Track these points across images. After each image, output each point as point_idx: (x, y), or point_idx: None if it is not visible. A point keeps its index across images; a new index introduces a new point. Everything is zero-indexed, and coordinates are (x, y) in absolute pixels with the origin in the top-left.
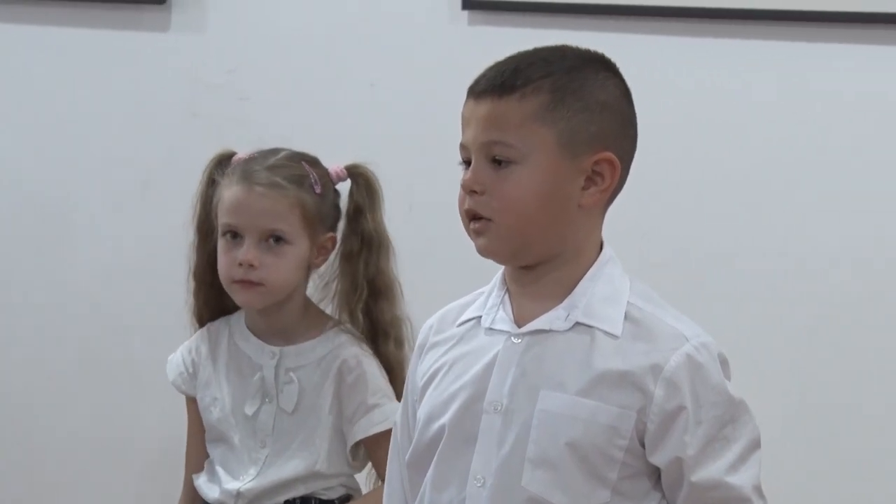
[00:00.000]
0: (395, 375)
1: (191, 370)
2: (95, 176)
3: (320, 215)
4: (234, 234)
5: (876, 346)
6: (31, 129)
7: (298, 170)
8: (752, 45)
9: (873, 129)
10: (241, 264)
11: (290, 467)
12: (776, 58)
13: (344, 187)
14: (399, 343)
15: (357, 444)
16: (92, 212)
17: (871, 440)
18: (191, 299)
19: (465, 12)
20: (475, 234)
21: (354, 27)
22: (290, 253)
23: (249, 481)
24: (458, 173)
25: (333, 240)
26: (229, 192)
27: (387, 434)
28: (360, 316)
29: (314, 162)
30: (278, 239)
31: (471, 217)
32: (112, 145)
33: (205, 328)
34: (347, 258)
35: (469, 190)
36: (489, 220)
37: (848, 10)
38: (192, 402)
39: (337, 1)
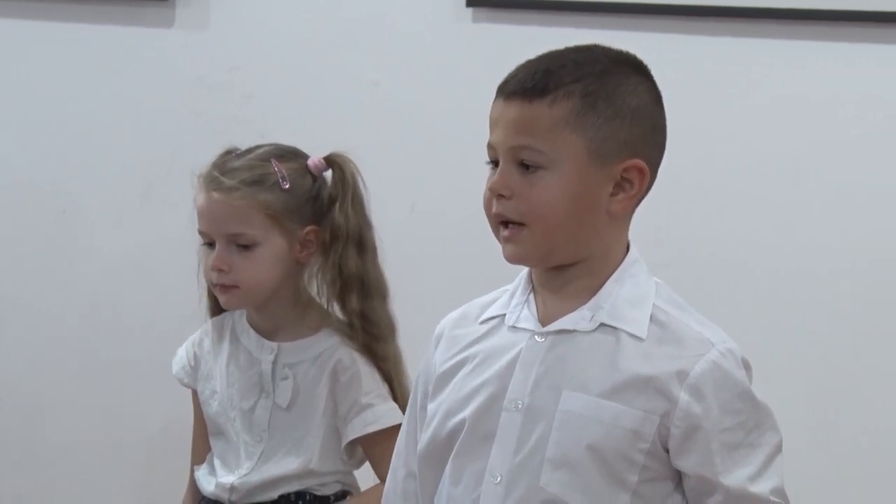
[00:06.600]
0: (391, 375)
1: (193, 363)
2: (98, 172)
3: (290, 211)
4: (210, 240)
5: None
6: (32, 126)
7: (262, 169)
8: (759, 43)
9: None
10: (212, 269)
11: (285, 464)
12: (783, 56)
13: None
14: (393, 343)
15: (353, 443)
16: (95, 209)
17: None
18: (205, 297)
19: (470, 10)
20: (504, 241)
21: (358, 25)
22: (260, 253)
23: (244, 475)
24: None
25: (316, 232)
26: (197, 199)
27: (381, 433)
28: (352, 314)
29: (291, 156)
30: (244, 241)
31: (500, 221)
32: (114, 142)
33: (209, 322)
34: (323, 249)
35: (497, 194)
36: (521, 224)
37: (855, 9)
38: (196, 395)
39: None
